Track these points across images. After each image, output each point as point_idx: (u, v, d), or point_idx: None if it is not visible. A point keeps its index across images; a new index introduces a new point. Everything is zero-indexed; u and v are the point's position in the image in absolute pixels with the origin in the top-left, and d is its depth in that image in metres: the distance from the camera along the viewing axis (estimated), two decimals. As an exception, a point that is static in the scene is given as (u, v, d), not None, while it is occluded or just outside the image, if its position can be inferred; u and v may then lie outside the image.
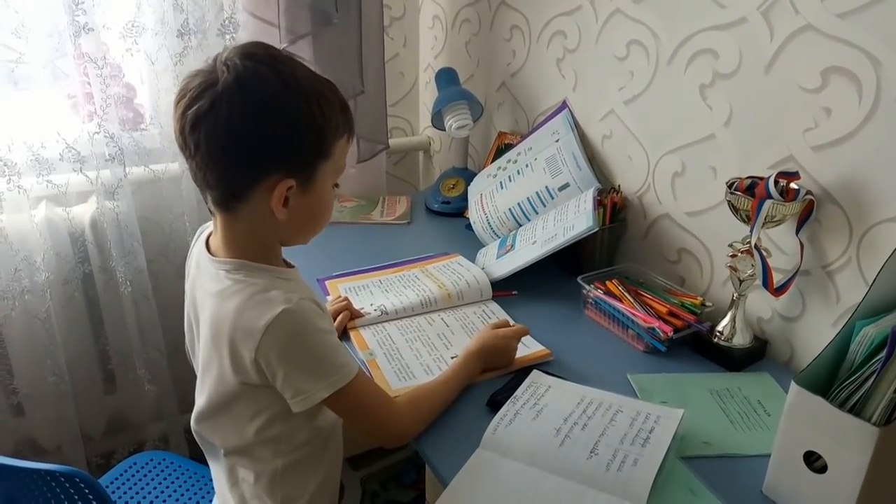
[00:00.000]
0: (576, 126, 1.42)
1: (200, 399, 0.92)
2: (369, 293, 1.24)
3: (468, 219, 1.53)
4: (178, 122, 0.78)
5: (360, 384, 0.85)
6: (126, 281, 1.54)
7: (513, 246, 1.35)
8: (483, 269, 1.30)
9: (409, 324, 1.16)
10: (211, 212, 0.86)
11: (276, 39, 1.49)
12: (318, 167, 0.82)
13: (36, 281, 1.45)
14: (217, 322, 0.83)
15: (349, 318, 1.15)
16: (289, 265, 0.92)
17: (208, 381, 0.88)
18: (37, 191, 1.44)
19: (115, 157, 1.46)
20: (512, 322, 1.14)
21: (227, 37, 1.52)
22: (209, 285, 0.86)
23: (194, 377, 1.79)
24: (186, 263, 0.98)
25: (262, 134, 0.77)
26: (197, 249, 0.92)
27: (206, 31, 1.52)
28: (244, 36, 1.52)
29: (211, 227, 0.91)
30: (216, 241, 0.88)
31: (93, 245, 1.53)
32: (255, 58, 0.77)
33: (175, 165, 1.57)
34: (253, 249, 0.85)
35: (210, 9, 1.51)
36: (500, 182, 1.49)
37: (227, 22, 1.51)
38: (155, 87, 1.52)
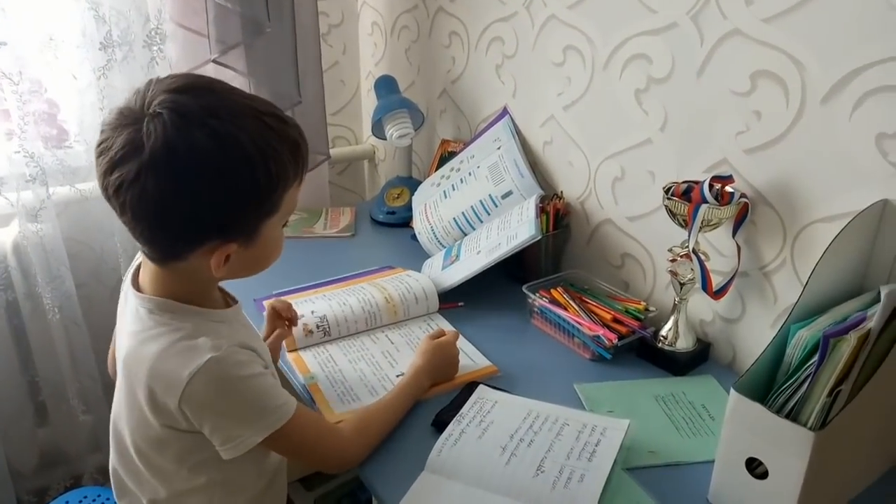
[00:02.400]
0: (517, 133, 1.41)
1: (119, 437, 0.85)
2: (311, 303, 1.19)
3: (413, 228, 1.50)
4: (99, 178, 0.70)
5: (300, 421, 0.80)
6: (54, 307, 1.46)
7: (457, 256, 1.33)
8: (432, 282, 1.28)
9: (352, 343, 1.13)
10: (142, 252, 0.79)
11: (205, 50, 1.43)
12: (263, 224, 0.75)
13: (-47, 312, 1.36)
14: (133, 365, 0.77)
15: (286, 335, 1.08)
16: (229, 302, 0.87)
17: (126, 422, 0.82)
18: (-48, 216, 1.36)
19: (37, 178, 1.38)
20: (446, 330, 1.10)
21: (155, 48, 1.46)
22: (129, 323, 0.80)
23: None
24: (122, 286, 0.90)
25: (196, 206, 0.69)
26: (128, 277, 0.85)
27: (132, 43, 1.45)
28: (172, 47, 1.46)
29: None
30: (144, 276, 0.80)
31: (16, 271, 1.44)
32: (188, 114, 0.67)
33: (103, 184, 1.49)
34: (184, 291, 0.78)
35: (135, 20, 1.44)
36: (444, 191, 1.47)
37: (153, 33, 1.45)
38: (79, 103, 1.45)
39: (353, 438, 0.87)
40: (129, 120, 0.68)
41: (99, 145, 0.70)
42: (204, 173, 0.68)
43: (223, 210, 0.71)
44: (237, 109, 0.70)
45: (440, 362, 1.02)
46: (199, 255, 0.73)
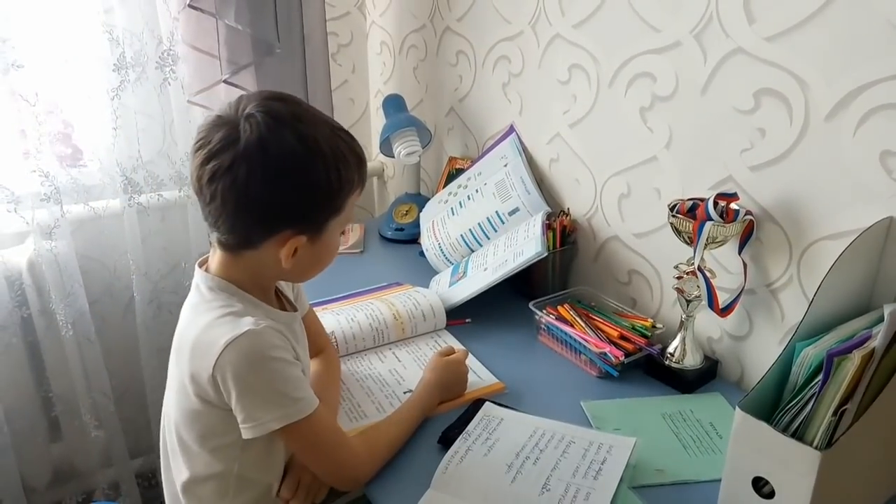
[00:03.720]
0: (523, 150, 1.42)
1: (166, 410, 0.91)
2: (320, 319, 1.19)
3: (421, 245, 1.52)
4: (195, 169, 0.79)
5: (319, 421, 0.83)
6: (67, 324, 1.48)
7: (465, 273, 1.33)
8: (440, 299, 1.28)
9: (360, 360, 1.13)
10: (211, 243, 0.87)
11: (216, 71, 1.46)
12: (330, 222, 0.84)
13: (-31, 329, 1.39)
14: (184, 334, 0.84)
15: None
16: (286, 307, 0.94)
17: (171, 394, 0.88)
18: (-32, 234, 1.38)
19: (52, 196, 1.41)
20: (456, 349, 1.11)
21: (167, 69, 1.49)
22: (189, 300, 0.87)
23: (144, 420, 1.73)
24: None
25: (278, 196, 0.78)
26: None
27: (145, 65, 1.48)
28: (184, 68, 1.49)
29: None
30: (213, 262, 0.88)
31: (31, 288, 1.46)
32: (279, 117, 0.77)
33: (116, 202, 1.52)
34: (246, 280, 0.86)
35: (148, 41, 1.48)
36: (451, 208, 1.48)
37: (165, 54, 1.48)
38: (93, 123, 1.48)
39: (363, 455, 0.88)
40: (225, 121, 0.78)
41: (197, 142, 0.79)
42: (288, 166, 0.77)
43: (300, 201, 0.80)
44: (316, 119, 0.81)
45: (449, 379, 1.02)
46: (271, 244, 0.81)
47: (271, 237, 0.81)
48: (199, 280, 0.86)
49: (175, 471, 0.90)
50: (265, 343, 0.79)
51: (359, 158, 0.84)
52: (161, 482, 0.98)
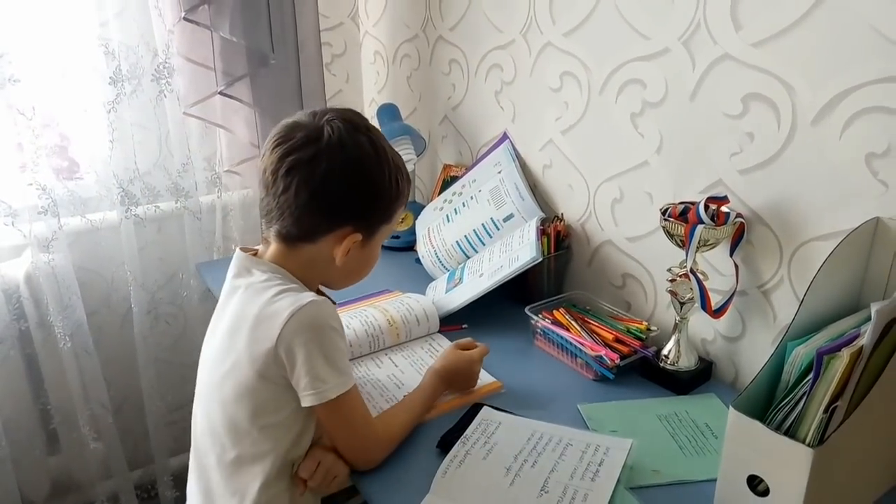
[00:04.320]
0: (517, 157, 1.44)
1: (209, 389, 0.93)
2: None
3: (417, 252, 1.53)
4: (272, 162, 0.86)
5: (355, 397, 0.88)
6: (65, 336, 1.48)
7: (461, 279, 1.34)
8: (433, 303, 1.29)
9: (357, 368, 1.14)
10: (264, 239, 0.93)
11: (212, 82, 1.47)
12: (381, 228, 0.93)
13: (-33, 342, 1.39)
14: (242, 311, 0.87)
15: None
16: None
17: (222, 375, 0.89)
18: (-35, 248, 1.39)
19: (49, 209, 1.41)
20: (477, 343, 1.12)
21: (163, 81, 1.50)
22: (243, 280, 0.90)
23: (143, 431, 1.73)
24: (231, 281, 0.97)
25: (349, 192, 0.87)
26: (233, 265, 0.95)
27: (141, 77, 1.50)
28: (180, 80, 1.50)
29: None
30: (266, 253, 0.93)
31: (29, 301, 1.47)
32: (355, 125, 0.88)
33: (113, 214, 1.53)
34: (297, 274, 0.91)
35: (144, 54, 1.49)
36: (447, 215, 1.50)
37: (161, 67, 1.49)
38: (89, 136, 1.49)
39: (382, 436, 0.91)
40: (306, 125, 0.87)
41: (275, 139, 0.87)
42: (362, 167, 0.87)
43: (366, 200, 0.89)
44: (380, 133, 0.92)
45: (456, 372, 1.04)
46: (330, 240, 0.89)
47: (332, 232, 0.88)
48: (251, 264, 0.91)
49: (216, 455, 0.90)
50: (327, 313, 0.86)
51: (408, 175, 0.95)
52: (186, 482, 0.99)
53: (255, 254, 0.94)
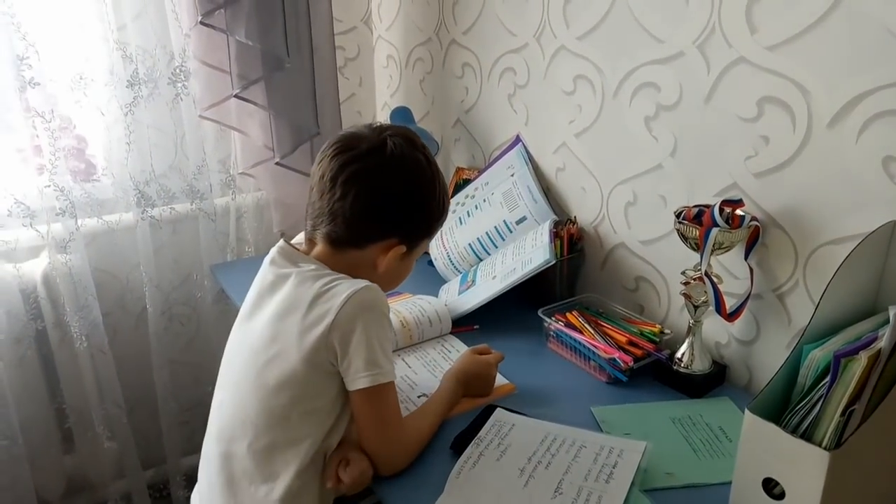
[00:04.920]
0: (530, 160, 1.44)
1: (243, 376, 0.92)
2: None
3: (430, 255, 1.53)
4: (331, 168, 0.89)
5: (394, 392, 0.89)
6: (81, 336, 1.50)
7: (474, 281, 1.35)
8: (446, 305, 1.30)
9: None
10: (308, 239, 0.95)
11: (227, 86, 1.49)
12: (421, 243, 0.97)
13: (-15, 341, 1.41)
14: (296, 294, 0.88)
15: None
16: None
17: (260, 366, 0.89)
18: (-15, 249, 1.41)
19: (66, 211, 1.43)
20: (493, 350, 1.12)
21: (179, 85, 1.52)
22: (292, 269, 0.92)
23: (156, 431, 1.74)
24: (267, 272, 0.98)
25: (403, 206, 0.91)
26: (269, 257, 0.97)
27: (157, 80, 1.52)
28: (196, 84, 1.52)
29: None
30: (313, 252, 0.94)
31: (45, 301, 1.49)
32: (413, 142, 0.92)
33: (129, 215, 1.55)
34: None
35: (160, 58, 1.51)
36: (459, 217, 1.50)
37: (177, 70, 1.51)
38: (106, 138, 1.51)
39: (410, 440, 0.92)
40: (368, 137, 0.90)
41: (336, 146, 0.90)
42: (419, 182, 0.92)
43: (417, 214, 0.93)
44: (431, 154, 0.96)
45: (474, 376, 1.05)
46: (376, 248, 0.92)
47: (381, 241, 0.92)
48: (298, 258, 0.93)
49: (248, 442, 0.89)
50: (382, 299, 0.89)
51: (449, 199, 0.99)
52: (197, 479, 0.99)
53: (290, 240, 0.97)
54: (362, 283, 0.87)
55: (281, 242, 0.97)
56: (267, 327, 0.91)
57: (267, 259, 0.97)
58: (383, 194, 0.89)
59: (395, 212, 0.91)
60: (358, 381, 0.85)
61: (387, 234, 0.92)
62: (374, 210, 0.89)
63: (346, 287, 0.86)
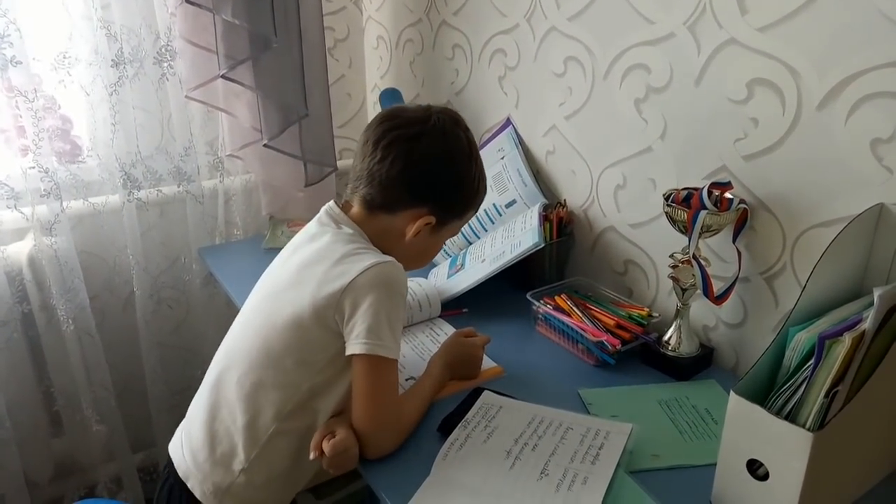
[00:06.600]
0: (520, 142, 1.43)
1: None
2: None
3: (419, 238, 1.52)
4: (375, 133, 0.93)
5: (394, 371, 0.90)
6: (68, 319, 1.49)
7: (463, 265, 1.34)
8: (435, 288, 1.29)
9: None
10: (346, 202, 0.99)
11: (214, 66, 1.46)
12: (451, 222, 0.99)
13: (-30, 325, 1.40)
14: (332, 247, 0.92)
15: None
16: None
17: (276, 305, 0.92)
18: (-32, 231, 1.39)
19: (51, 192, 1.41)
20: (478, 334, 1.12)
21: (165, 65, 1.50)
22: (334, 227, 0.96)
23: (145, 414, 1.74)
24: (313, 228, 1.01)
25: (438, 175, 0.94)
26: (325, 213, 1.00)
27: (143, 60, 1.49)
28: (182, 64, 1.50)
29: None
30: (350, 212, 0.98)
31: (31, 283, 1.47)
32: (457, 121, 0.96)
33: (116, 197, 1.53)
34: (372, 241, 0.96)
35: (146, 37, 1.48)
36: (449, 200, 1.49)
37: (163, 50, 1.49)
38: (91, 118, 1.49)
39: (400, 414, 0.92)
40: (415, 109, 0.95)
41: (385, 116, 0.95)
42: (454, 157, 0.94)
43: (451, 188, 0.95)
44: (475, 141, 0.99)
45: (460, 360, 1.05)
46: (407, 215, 0.95)
47: (412, 208, 0.94)
48: (341, 219, 0.97)
49: (240, 371, 0.93)
50: (403, 279, 0.91)
51: (486, 186, 1.01)
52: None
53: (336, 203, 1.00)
54: (389, 258, 0.90)
55: (331, 202, 1.00)
56: (295, 272, 0.94)
57: (315, 217, 1.01)
58: (419, 161, 0.92)
59: (428, 180, 0.93)
60: (355, 345, 0.86)
61: (417, 201, 0.94)
62: (408, 175, 0.92)
63: (373, 257, 0.89)
